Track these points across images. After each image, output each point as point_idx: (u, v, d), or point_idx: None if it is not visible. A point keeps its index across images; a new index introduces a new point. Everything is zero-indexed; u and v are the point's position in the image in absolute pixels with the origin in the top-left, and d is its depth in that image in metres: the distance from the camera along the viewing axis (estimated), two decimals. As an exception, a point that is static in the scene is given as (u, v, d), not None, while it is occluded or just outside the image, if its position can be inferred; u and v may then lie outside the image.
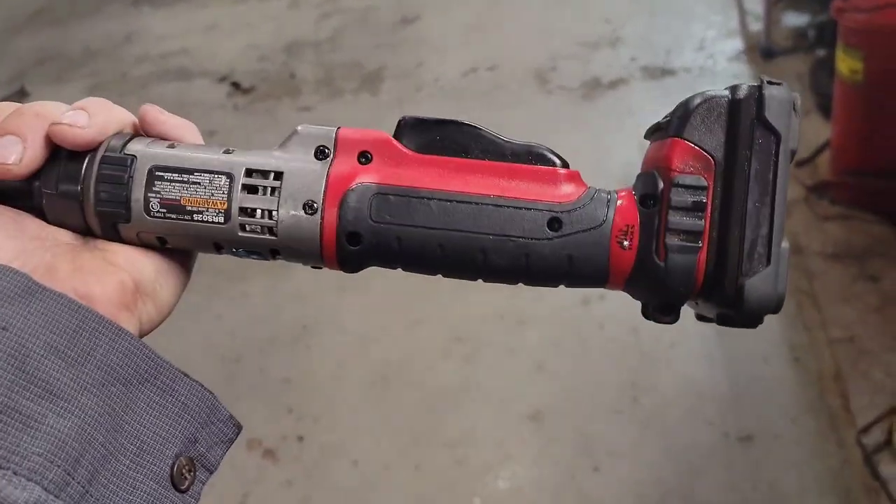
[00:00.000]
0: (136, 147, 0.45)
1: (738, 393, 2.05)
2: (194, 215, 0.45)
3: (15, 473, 0.35)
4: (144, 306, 0.45)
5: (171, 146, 0.46)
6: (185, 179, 0.45)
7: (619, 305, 2.16)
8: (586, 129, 3.06)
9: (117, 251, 0.45)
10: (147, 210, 0.45)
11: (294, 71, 3.86)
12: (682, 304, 0.46)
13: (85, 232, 0.46)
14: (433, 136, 0.46)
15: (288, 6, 4.51)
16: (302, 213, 0.44)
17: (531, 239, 0.44)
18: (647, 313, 0.46)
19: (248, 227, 0.45)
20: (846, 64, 2.32)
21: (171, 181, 0.45)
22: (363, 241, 0.45)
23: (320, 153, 0.46)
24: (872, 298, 2.18)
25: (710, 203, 0.43)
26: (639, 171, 0.47)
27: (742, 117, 0.43)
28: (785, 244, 0.43)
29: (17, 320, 0.38)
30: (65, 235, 0.45)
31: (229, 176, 0.45)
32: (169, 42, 4.30)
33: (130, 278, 0.44)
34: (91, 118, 0.44)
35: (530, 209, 0.45)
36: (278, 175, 0.45)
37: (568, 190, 0.45)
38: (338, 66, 3.86)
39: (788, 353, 2.12)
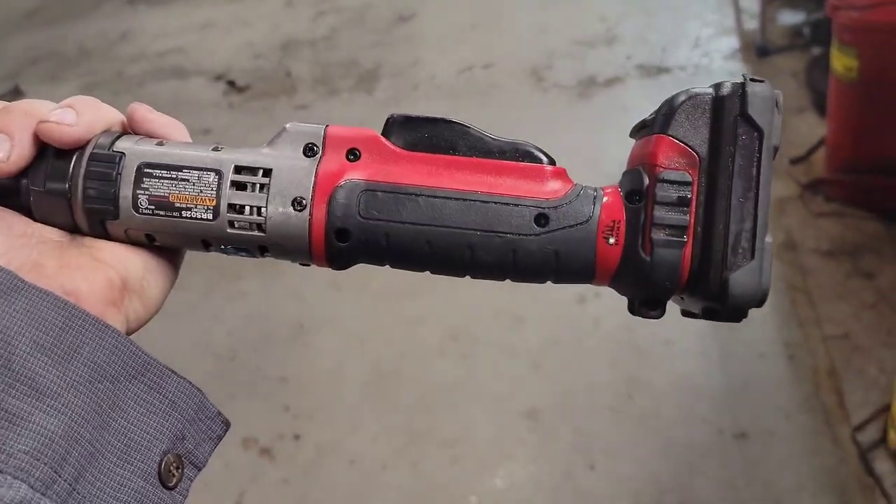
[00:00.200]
0: (124, 145, 0.45)
1: (733, 390, 2.06)
2: (183, 212, 0.45)
3: (0, 472, 0.35)
4: (132, 303, 0.45)
5: (160, 144, 0.46)
6: (174, 176, 0.45)
7: (615, 303, 2.16)
8: (582, 128, 3.07)
9: (104, 248, 0.45)
10: (135, 207, 0.45)
11: (290, 69, 3.86)
12: (668, 299, 0.46)
13: (73, 230, 0.46)
14: (421, 134, 0.47)
15: (284, 5, 4.50)
16: (291, 209, 0.45)
17: (518, 235, 0.45)
18: (633, 309, 0.47)
19: (236, 224, 0.45)
20: (841, 62, 2.33)
21: (159, 178, 0.45)
22: (351, 237, 0.45)
23: (309, 150, 0.46)
24: (867, 295, 2.19)
25: (694, 198, 0.44)
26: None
27: (726, 114, 0.44)
28: (768, 238, 0.44)
29: (3, 318, 0.38)
30: (52, 233, 0.45)
31: (218, 173, 0.45)
32: (164, 41, 4.29)
33: (117, 275, 0.44)
34: (79, 116, 0.44)
35: (517, 205, 0.45)
36: (267, 172, 0.45)
37: (554, 186, 0.46)
38: (334, 64, 3.85)
39: (783, 350, 2.12)
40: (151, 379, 0.43)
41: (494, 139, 0.47)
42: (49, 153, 0.44)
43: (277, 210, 0.45)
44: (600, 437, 2.00)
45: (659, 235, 0.44)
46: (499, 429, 2.06)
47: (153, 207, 0.45)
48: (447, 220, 0.45)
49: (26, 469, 0.36)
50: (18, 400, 0.37)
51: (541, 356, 2.22)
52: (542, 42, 3.74)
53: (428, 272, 0.47)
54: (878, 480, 1.77)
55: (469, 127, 0.47)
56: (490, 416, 2.09)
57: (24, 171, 0.44)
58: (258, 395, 2.23)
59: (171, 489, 0.43)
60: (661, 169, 0.44)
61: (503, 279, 0.47)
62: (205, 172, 0.45)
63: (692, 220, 0.44)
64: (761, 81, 0.44)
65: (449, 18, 4.11)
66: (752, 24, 3.57)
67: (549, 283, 0.47)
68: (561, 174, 0.46)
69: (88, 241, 0.46)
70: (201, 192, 0.45)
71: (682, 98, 0.45)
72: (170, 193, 0.45)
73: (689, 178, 0.44)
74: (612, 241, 0.44)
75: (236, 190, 0.45)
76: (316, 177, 0.45)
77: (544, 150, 0.47)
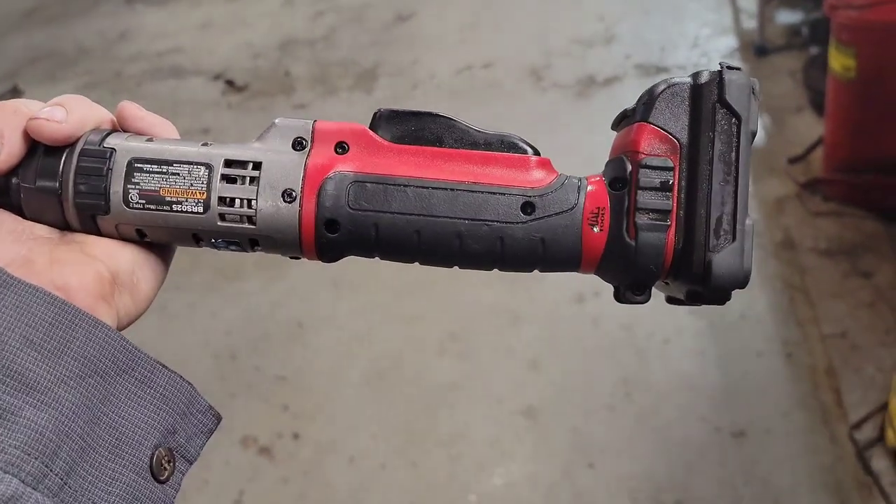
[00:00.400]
0: (114, 141, 0.46)
1: (730, 388, 2.06)
2: (173, 205, 0.45)
3: None
4: (122, 298, 0.45)
5: (150, 140, 0.47)
6: (164, 171, 0.45)
7: (613, 303, 2.16)
8: (581, 127, 3.07)
9: (95, 243, 0.46)
10: (126, 202, 0.45)
11: (288, 69, 3.86)
12: (653, 283, 0.46)
13: (63, 226, 0.46)
14: (408, 127, 0.47)
15: (282, 4, 4.51)
16: (281, 201, 0.45)
17: (505, 223, 0.45)
18: (619, 296, 0.47)
19: (227, 217, 0.45)
20: (839, 61, 2.33)
21: (150, 172, 0.45)
22: (341, 228, 0.45)
23: (298, 144, 0.47)
24: (864, 294, 2.19)
25: (676, 183, 0.45)
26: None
27: (704, 101, 0.45)
28: (749, 221, 0.44)
29: None
30: (42, 230, 0.45)
31: (208, 166, 0.45)
32: (163, 40, 4.29)
33: (108, 270, 0.44)
34: (69, 114, 0.44)
35: (504, 194, 0.46)
36: (257, 165, 0.45)
37: (539, 176, 0.47)
38: (332, 63, 3.86)
39: (781, 349, 2.12)
40: (142, 373, 0.43)
41: (480, 131, 0.47)
42: (39, 151, 0.45)
43: (267, 202, 0.45)
44: (598, 435, 2.00)
45: (643, 220, 0.44)
46: (497, 428, 2.06)
47: (144, 202, 0.45)
48: (435, 210, 0.45)
49: (17, 464, 0.36)
50: (8, 395, 0.37)
51: (539, 355, 2.23)
52: (541, 41, 3.74)
53: (417, 263, 0.48)
54: (875, 478, 1.77)
55: (455, 120, 0.48)
56: (489, 415, 2.09)
57: (15, 170, 0.44)
58: (257, 394, 2.23)
59: (162, 483, 0.43)
60: (644, 155, 0.45)
61: (491, 268, 0.47)
62: (195, 166, 0.45)
63: (675, 205, 0.45)
64: (738, 69, 0.45)
65: (448, 18, 4.11)
66: (750, 24, 3.58)
67: (536, 272, 0.47)
68: (545, 164, 0.47)
69: (79, 237, 0.46)
70: (191, 185, 0.45)
71: (662, 87, 0.46)
72: (160, 188, 0.45)
73: (671, 164, 0.45)
74: (596, 228, 0.45)
75: (226, 183, 0.45)
76: (305, 169, 0.46)
77: (529, 141, 0.48)
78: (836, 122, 2.49)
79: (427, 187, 0.45)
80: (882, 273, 2.25)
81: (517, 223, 0.45)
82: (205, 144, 0.46)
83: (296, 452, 2.07)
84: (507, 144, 0.47)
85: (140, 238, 0.47)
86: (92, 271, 0.44)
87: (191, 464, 0.46)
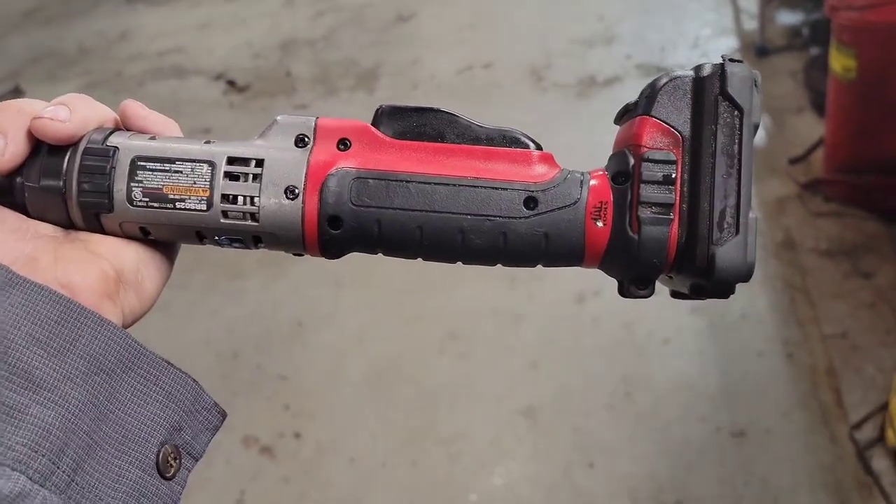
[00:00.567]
0: (117, 140, 0.46)
1: (730, 388, 2.06)
2: (177, 203, 0.45)
3: (0, 464, 0.36)
4: (127, 296, 0.45)
5: (153, 138, 0.47)
6: (168, 168, 0.45)
7: (613, 302, 2.17)
8: (581, 127, 3.07)
9: (99, 241, 0.46)
10: (129, 199, 0.45)
11: (289, 69, 3.87)
12: (657, 277, 0.46)
13: (67, 225, 0.46)
14: (410, 123, 0.47)
15: (282, 4, 4.51)
16: (284, 198, 0.45)
17: (508, 218, 0.45)
18: (623, 290, 0.47)
19: (230, 214, 0.45)
20: (839, 62, 2.33)
21: (153, 171, 0.45)
22: (344, 224, 0.45)
23: (300, 141, 0.47)
24: (865, 294, 2.19)
25: (679, 177, 0.45)
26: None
27: (706, 94, 0.45)
28: (752, 214, 0.44)
29: None
30: (46, 228, 0.46)
31: (211, 164, 0.45)
32: (163, 40, 4.30)
33: (112, 267, 0.45)
34: (72, 113, 0.45)
35: (506, 189, 0.46)
36: (259, 162, 0.46)
37: (542, 170, 0.46)
38: (333, 63, 3.86)
39: (781, 349, 2.13)
40: (147, 370, 0.43)
41: (482, 126, 0.47)
42: (43, 150, 0.45)
43: (270, 199, 0.45)
44: (598, 435, 2.00)
45: (646, 213, 0.44)
46: (498, 427, 2.06)
47: (147, 199, 0.45)
48: (438, 206, 0.45)
49: (25, 461, 0.36)
50: (15, 393, 0.37)
51: (539, 355, 2.23)
52: (542, 42, 3.75)
53: (420, 259, 0.48)
54: (875, 478, 1.77)
55: (457, 115, 0.48)
56: (489, 415, 2.10)
57: (19, 169, 0.44)
58: (259, 393, 2.23)
59: (169, 479, 0.43)
60: (646, 149, 0.45)
61: (494, 264, 0.47)
62: (198, 164, 0.45)
63: (678, 198, 0.44)
64: (740, 62, 0.45)
65: (448, 18, 4.12)
66: (750, 24, 3.58)
67: (539, 266, 0.47)
68: (548, 159, 0.47)
69: (83, 235, 0.46)
70: (195, 183, 0.45)
71: (664, 80, 0.46)
72: (164, 185, 0.45)
73: (674, 158, 0.45)
74: (600, 222, 0.45)
75: (229, 180, 0.45)
76: (308, 166, 0.46)
77: (531, 136, 0.48)
78: (836, 123, 2.49)
79: (429, 183, 0.45)
80: (883, 274, 2.25)
81: (520, 218, 0.45)
82: (207, 142, 0.47)
83: (297, 452, 2.07)
84: (509, 139, 0.47)
85: (144, 236, 0.47)
86: (97, 269, 0.44)
87: (196, 460, 0.46)
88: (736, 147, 0.44)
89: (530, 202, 0.45)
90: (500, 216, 0.45)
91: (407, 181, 0.45)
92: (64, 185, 0.45)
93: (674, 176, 0.44)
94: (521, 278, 2.37)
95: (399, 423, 2.11)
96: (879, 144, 2.39)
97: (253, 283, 2.61)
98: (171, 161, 0.45)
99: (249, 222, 0.45)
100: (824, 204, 2.53)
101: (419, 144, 0.47)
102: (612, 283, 0.48)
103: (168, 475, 0.43)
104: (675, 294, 0.49)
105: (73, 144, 0.45)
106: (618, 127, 0.50)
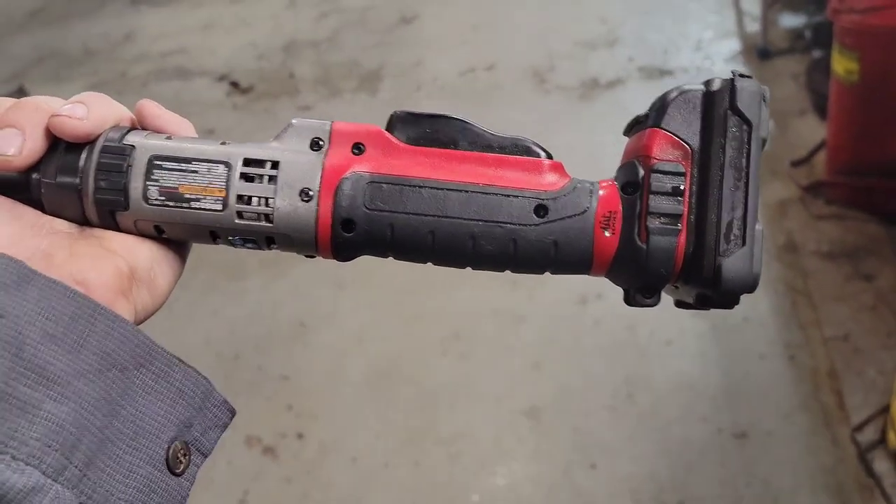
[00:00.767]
0: (134, 138, 0.46)
1: (732, 390, 2.06)
2: (192, 203, 0.46)
3: (14, 458, 0.36)
4: (140, 293, 0.45)
5: (169, 138, 0.47)
6: (184, 168, 0.46)
7: (615, 304, 2.17)
8: (583, 130, 3.07)
9: (113, 238, 0.46)
10: (145, 198, 0.46)
11: (293, 70, 3.87)
12: (664, 286, 0.47)
13: (82, 222, 0.47)
14: (423, 130, 0.48)
15: (286, 5, 4.51)
16: (298, 200, 0.46)
17: (519, 225, 0.46)
18: (629, 299, 0.48)
19: (245, 215, 0.46)
20: (842, 65, 2.33)
21: (169, 170, 0.46)
22: (357, 227, 0.46)
23: (315, 144, 0.47)
24: (866, 297, 2.20)
25: (687, 188, 0.45)
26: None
27: (716, 108, 0.46)
28: (759, 226, 0.45)
29: (13, 307, 0.38)
30: (62, 225, 0.46)
31: (227, 165, 0.46)
32: (167, 41, 4.30)
33: (126, 265, 0.45)
34: (89, 111, 0.45)
35: (518, 196, 0.46)
36: (275, 164, 0.46)
37: (552, 179, 0.47)
38: (336, 65, 3.87)
39: (783, 351, 2.13)
40: (159, 367, 0.43)
41: (494, 135, 0.48)
42: (60, 147, 0.45)
43: (285, 201, 0.45)
44: (600, 435, 2.00)
45: (654, 223, 0.45)
46: (499, 427, 2.07)
47: (163, 198, 0.46)
48: (450, 211, 0.46)
49: (38, 456, 0.37)
50: (30, 388, 0.37)
51: (541, 355, 2.23)
52: (544, 44, 3.75)
53: (430, 264, 0.48)
54: (877, 480, 1.78)
55: (469, 123, 0.48)
56: (490, 415, 2.10)
57: (36, 166, 0.45)
58: (261, 393, 2.24)
59: (178, 475, 0.44)
60: (656, 160, 0.45)
61: (503, 270, 0.48)
62: (214, 164, 0.46)
63: (686, 209, 0.45)
64: (749, 77, 0.46)
65: (451, 20, 4.12)
66: (753, 27, 3.58)
67: (546, 274, 0.48)
68: (558, 168, 0.48)
69: (98, 232, 0.46)
70: (211, 183, 0.46)
71: (674, 94, 0.46)
72: (179, 185, 0.46)
73: (683, 169, 0.45)
74: (608, 232, 0.46)
75: (245, 181, 0.46)
76: (323, 169, 0.46)
77: (542, 145, 0.48)
78: (838, 126, 2.49)
79: (442, 188, 0.46)
80: (884, 276, 2.25)
81: (530, 225, 0.46)
82: (223, 143, 0.47)
83: (299, 452, 2.08)
84: (520, 148, 0.48)
85: (158, 234, 0.47)
86: (111, 266, 0.44)
87: (205, 457, 0.46)
88: (744, 160, 0.45)
89: (541, 210, 0.46)
90: (510, 223, 0.46)
91: (420, 186, 0.46)
92: (80, 182, 0.45)
93: (682, 187, 0.45)
94: (522, 280, 2.37)
95: (401, 424, 2.12)
96: (881, 147, 2.40)
97: (254, 283, 2.62)
98: (188, 161, 0.46)
99: (264, 223, 0.46)
100: (826, 206, 2.53)
101: (432, 151, 0.47)
102: (615, 286, 0.49)
103: (177, 471, 0.44)
104: (680, 304, 0.50)
105: (89, 142, 0.46)
106: (623, 135, 0.51)
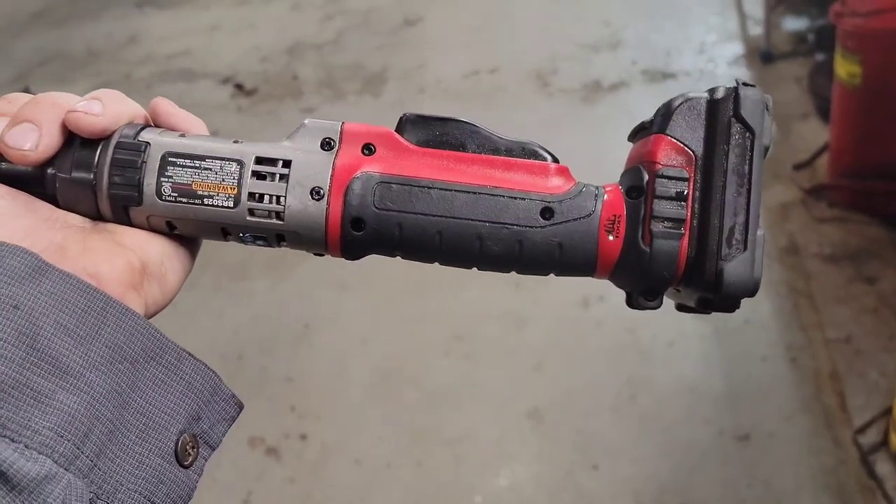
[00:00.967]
0: (148, 136, 0.47)
1: (734, 392, 2.07)
2: (205, 199, 0.46)
3: (27, 447, 0.37)
4: (151, 288, 0.46)
5: (182, 136, 0.48)
6: (197, 165, 0.47)
7: (617, 306, 2.17)
8: (586, 132, 3.08)
9: (126, 233, 0.47)
10: (159, 194, 0.46)
11: (297, 72, 3.88)
12: (666, 289, 0.48)
13: (96, 216, 0.47)
14: (433, 132, 0.49)
15: (290, 8, 4.53)
16: (309, 199, 0.46)
17: (525, 227, 0.47)
18: (631, 301, 0.49)
19: (256, 212, 0.47)
20: (844, 68, 2.34)
21: (183, 167, 0.47)
22: (366, 227, 0.47)
23: (326, 144, 0.48)
24: (868, 299, 2.20)
25: (691, 194, 0.46)
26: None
27: (720, 115, 0.46)
28: (760, 232, 0.46)
29: (28, 299, 0.39)
30: (75, 219, 0.47)
31: (240, 163, 0.47)
32: (172, 43, 4.32)
33: (138, 259, 0.46)
34: (105, 107, 0.46)
35: (524, 199, 0.47)
36: (287, 163, 0.47)
37: (558, 182, 0.48)
38: (340, 67, 3.88)
39: (785, 353, 2.13)
40: (169, 361, 0.44)
41: (502, 138, 0.49)
42: (75, 143, 0.46)
43: (296, 199, 0.46)
44: (602, 437, 2.01)
45: (658, 227, 0.46)
46: (502, 429, 2.07)
47: (176, 195, 0.46)
48: (458, 212, 0.47)
49: (51, 445, 0.37)
50: (43, 379, 0.38)
51: (544, 357, 2.24)
52: (548, 46, 3.76)
53: (437, 263, 0.49)
54: (879, 483, 1.78)
55: (478, 126, 0.49)
56: (494, 416, 2.11)
57: (51, 160, 0.46)
58: (264, 394, 2.25)
59: (186, 468, 0.44)
60: (660, 166, 0.46)
61: (509, 271, 0.49)
62: (227, 162, 0.47)
63: (689, 214, 0.46)
64: (753, 86, 0.47)
65: (454, 22, 4.13)
66: (756, 30, 3.59)
67: (551, 275, 0.49)
68: (564, 171, 0.49)
69: (111, 226, 0.47)
70: (223, 180, 0.46)
71: (679, 101, 0.47)
72: (192, 182, 0.46)
73: (687, 175, 0.46)
74: (612, 235, 0.47)
75: (257, 179, 0.47)
76: (333, 169, 0.47)
77: (548, 149, 0.49)
78: (841, 129, 2.50)
79: (450, 190, 0.47)
80: (886, 279, 2.26)
81: (536, 227, 0.47)
82: (236, 142, 0.48)
83: (302, 453, 2.08)
84: (527, 151, 0.49)
85: (170, 230, 0.48)
86: (123, 260, 0.45)
87: (213, 450, 0.47)
88: (746, 167, 0.46)
89: (546, 212, 0.47)
90: (517, 225, 0.47)
91: (429, 187, 0.47)
92: (95, 178, 0.46)
93: (686, 193, 0.46)
94: (526, 282, 2.38)
95: (404, 425, 2.12)
96: (883, 150, 2.40)
97: (259, 284, 2.62)
98: (202, 158, 0.47)
99: (275, 221, 0.47)
100: (828, 209, 2.53)
101: (441, 153, 0.48)
102: (616, 288, 0.50)
103: (186, 463, 0.44)
104: (681, 307, 0.51)
105: (104, 138, 0.46)
106: (627, 140, 0.52)
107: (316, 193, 0.46)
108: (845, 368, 2.03)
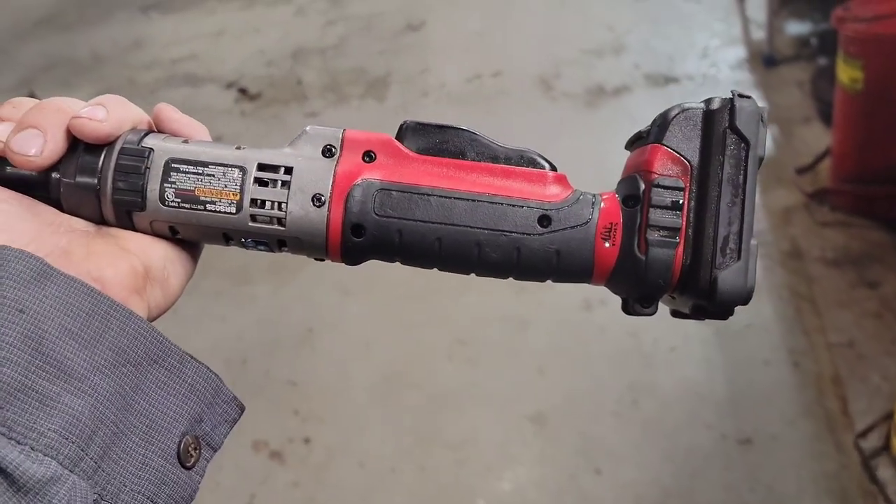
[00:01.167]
0: (152, 142, 0.48)
1: (737, 396, 2.07)
2: (207, 205, 0.47)
3: (32, 449, 0.37)
4: (153, 292, 0.47)
5: (186, 142, 0.49)
6: (200, 171, 0.47)
7: (619, 311, 2.17)
8: (589, 136, 3.08)
9: (129, 238, 0.48)
10: (162, 199, 0.47)
11: (301, 77, 3.89)
12: (661, 296, 0.49)
13: (99, 221, 0.48)
14: (433, 140, 0.50)
15: (294, 13, 4.54)
16: (310, 205, 0.47)
17: (523, 234, 0.48)
18: (627, 308, 0.50)
19: (258, 218, 0.47)
20: (846, 73, 2.34)
21: (186, 173, 0.47)
22: (366, 233, 0.48)
23: (327, 151, 0.49)
24: (871, 304, 2.20)
25: (686, 203, 0.47)
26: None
27: (716, 126, 0.47)
28: (754, 241, 0.47)
29: (34, 303, 0.40)
30: (79, 223, 0.47)
31: (242, 169, 0.48)
32: (177, 48, 4.33)
33: (141, 264, 0.47)
34: (109, 113, 0.47)
35: (522, 206, 0.48)
36: (289, 170, 0.48)
37: (556, 190, 0.49)
38: (344, 72, 3.88)
39: (788, 357, 2.13)
40: (172, 364, 0.45)
41: (501, 146, 0.50)
42: (79, 148, 0.47)
43: (297, 206, 0.47)
44: (605, 441, 2.01)
45: (654, 236, 0.47)
46: (505, 432, 2.08)
47: (179, 200, 0.47)
48: (457, 219, 0.47)
49: (56, 447, 0.38)
50: (48, 382, 0.39)
51: (546, 361, 2.24)
52: (550, 51, 3.76)
53: (436, 269, 0.50)
54: (880, 487, 1.78)
55: (477, 134, 0.50)
56: (496, 420, 2.11)
57: (55, 165, 0.46)
58: (268, 398, 2.25)
59: (189, 469, 0.45)
60: (657, 175, 0.47)
61: (507, 277, 0.49)
62: (229, 169, 0.48)
63: (684, 223, 0.47)
64: (748, 97, 0.47)
65: (457, 27, 4.14)
66: (759, 34, 3.59)
67: (549, 282, 0.50)
68: (562, 179, 0.50)
69: (114, 231, 0.48)
70: (226, 186, 0.47)
71: (676, 112, 0.48)
72: (196, 187, 0.47)
73: (682, 185, 0.47)
74: (608, 243, 0.48)
75: (259, 186, 0.47)
76: (334, 175, 0.48)
77: (546, 157, 0.50)
78: (843, 134, 2.50)
79: (449, 197, 0.48)
80: (888, 283, 2.26)
81: (534, 234, 0.48)
82: (238, 148, 0.49)
83: (306, 456, 2.09)
84: (526, 160, 0.49)
85: (172, 235, 0.49)
86: (126, 265, 0.46)
87: (215, 451, 0.48)
88: (741, 177, 0.47)
89: (544, 220, 0.48)
90: (515, 232, 0.47)
91: (428, 195, 0.48)
92: (99, 183, 0.47)
93: (681, 202, 0.47)
94: (528, 286, 2.38)
95: (407, 428, 2.13)
96: (886, 155, 2.40)
97: (262, 289, 2.63)
98: (204, 164, 0.48)
99: (276, 227, 0.47)
100: (831, 213, 2.54)
101: (441, 160, 0.49)
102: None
103: (188, 465, 0.45)
104: (676, 313, 0.52)
105: (108, 144, 0.47)
106: (625, 149, 0.53)
107: (317, 200, 0.47)
108: (847, 372, 2.03)
